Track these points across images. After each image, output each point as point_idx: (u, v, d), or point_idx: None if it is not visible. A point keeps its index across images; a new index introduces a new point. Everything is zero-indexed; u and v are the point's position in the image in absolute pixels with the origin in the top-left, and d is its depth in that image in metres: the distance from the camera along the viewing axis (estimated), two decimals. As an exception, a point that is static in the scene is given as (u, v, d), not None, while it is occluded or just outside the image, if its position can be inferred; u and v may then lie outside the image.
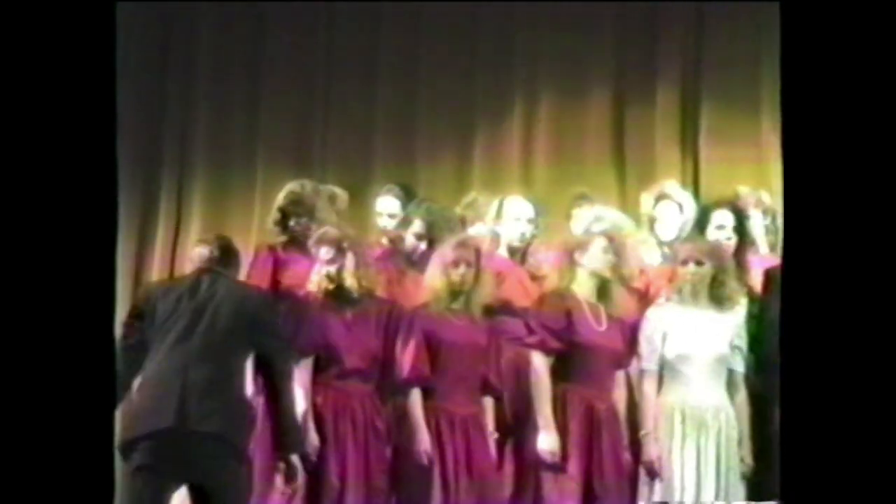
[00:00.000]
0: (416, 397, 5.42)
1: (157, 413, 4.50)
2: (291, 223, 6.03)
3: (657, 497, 5.51)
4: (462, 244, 5.61)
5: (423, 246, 5.99)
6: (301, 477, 5.11)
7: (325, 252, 5.48)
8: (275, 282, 5.91)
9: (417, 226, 6.07)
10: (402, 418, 5.49)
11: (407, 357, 5.47)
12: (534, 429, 5.43)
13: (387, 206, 6.45)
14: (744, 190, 6.53)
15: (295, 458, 5.00)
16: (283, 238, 6.05)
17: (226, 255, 5.11)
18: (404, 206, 6.41)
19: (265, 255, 6.08)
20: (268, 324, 4.86)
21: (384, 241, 6.31)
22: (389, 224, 6.37)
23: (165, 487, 4.64)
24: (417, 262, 5.92)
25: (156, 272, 8.05)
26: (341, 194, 6.34)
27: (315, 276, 5.48)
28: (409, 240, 6.08)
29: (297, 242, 5.96)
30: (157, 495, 4.61)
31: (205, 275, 4.93)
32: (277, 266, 6.00)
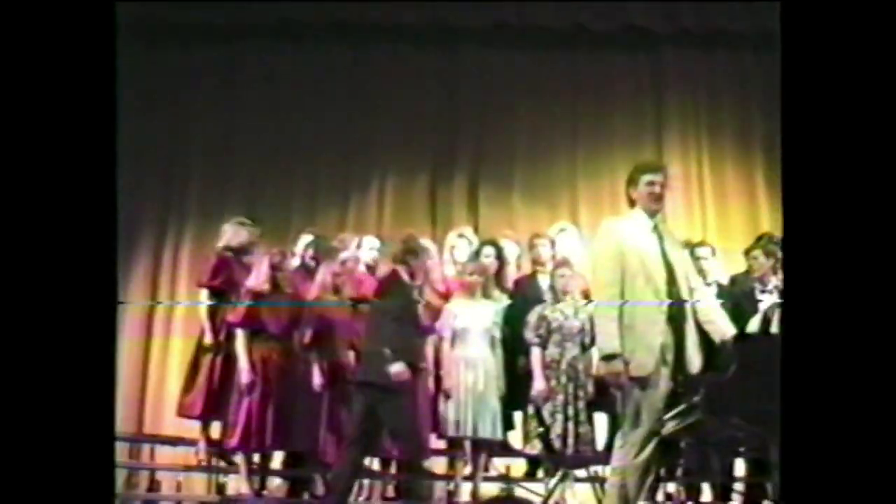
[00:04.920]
0: (313, 354, 6.69)
1: None
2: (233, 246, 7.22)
3: (450, 409, 6.71)
4: (342, 263, 7.03)
5: (313, 263, 7.21)
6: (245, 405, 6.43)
7: (265, 265, 6.77)
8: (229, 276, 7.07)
9: (310, 251, 7.32)
10: (305, 366, 6.68)
11: (308, 330, 6.71)
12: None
13: (306, 240, 7.54)
14: (509, 233, 8.17)
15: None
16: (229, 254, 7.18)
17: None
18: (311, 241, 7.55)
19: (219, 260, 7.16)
20: None
21: (296, 260, 7.38)
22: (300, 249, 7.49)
23: None
24: (312, 272, 7.11)
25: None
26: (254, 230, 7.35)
27: (256, 279, 6.74)
28: (307, 258, 7.31)
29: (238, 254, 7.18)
30: None
31: None
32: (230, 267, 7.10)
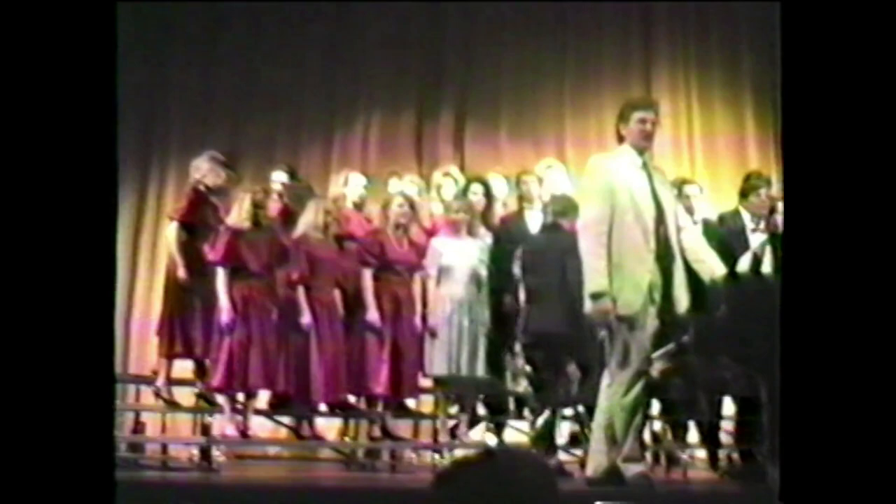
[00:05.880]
0: (301, 291, 6.64)
1: None
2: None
3: (436, 348, 6.71)
4: (330, 200, 7.02)
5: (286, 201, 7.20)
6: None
7: (247, 201, 6.63)
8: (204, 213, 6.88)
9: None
10: (292, 304, 6.64)
11: (295, 266, 6.67)
12: (364, 308, 6.79)
13: (279, 177, 7.62)
14: (499, 169, 8.04)
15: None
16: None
17: None
18: (290, 178, 7.63)
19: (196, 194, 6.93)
20: None
21: (275, 196, 7.34)
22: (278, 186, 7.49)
23: None
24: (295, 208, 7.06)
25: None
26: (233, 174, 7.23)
27: (237, 216, 6.61)
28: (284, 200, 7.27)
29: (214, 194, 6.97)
30: None
31: None
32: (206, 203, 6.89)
